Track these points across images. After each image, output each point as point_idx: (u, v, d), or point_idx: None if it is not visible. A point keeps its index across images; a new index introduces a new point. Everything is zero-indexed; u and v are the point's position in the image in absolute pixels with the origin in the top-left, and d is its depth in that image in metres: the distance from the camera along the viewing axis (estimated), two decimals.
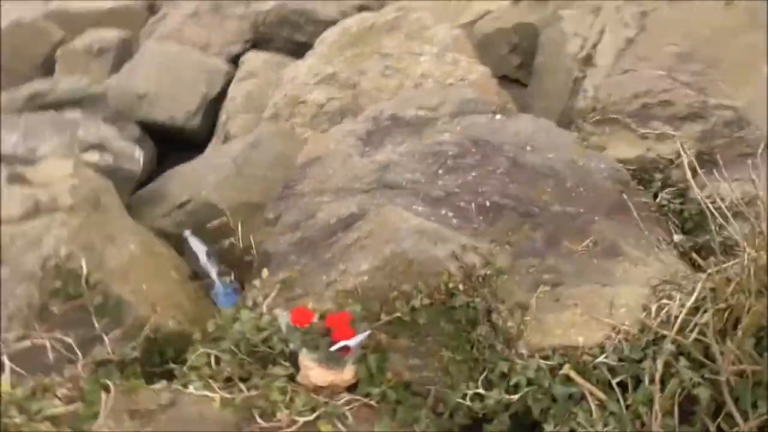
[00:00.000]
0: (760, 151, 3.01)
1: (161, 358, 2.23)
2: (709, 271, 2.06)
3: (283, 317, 1.99)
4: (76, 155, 3.14)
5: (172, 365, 2.18)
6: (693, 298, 2.02)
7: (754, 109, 3.27)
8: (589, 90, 3.83)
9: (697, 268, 2.72)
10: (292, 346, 1.96)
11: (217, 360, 2.08)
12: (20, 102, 3.91)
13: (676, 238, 2.79)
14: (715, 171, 2.99)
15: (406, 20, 4.39)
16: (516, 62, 4.68)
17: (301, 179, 2.55)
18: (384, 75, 3.92)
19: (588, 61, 3.98)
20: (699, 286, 2.05)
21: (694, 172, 3.23)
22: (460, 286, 1.99)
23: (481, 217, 2.38)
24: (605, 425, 1.91)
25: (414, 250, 2.06)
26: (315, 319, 1.96)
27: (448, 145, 2.63)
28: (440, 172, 2.50)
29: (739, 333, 1.85)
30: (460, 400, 2.05)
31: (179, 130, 4.46)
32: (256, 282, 2.26)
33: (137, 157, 3.35)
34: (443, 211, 2.32)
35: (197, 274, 2.94)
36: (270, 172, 3.21)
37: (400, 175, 2.42)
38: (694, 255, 2.81)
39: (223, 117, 4.24)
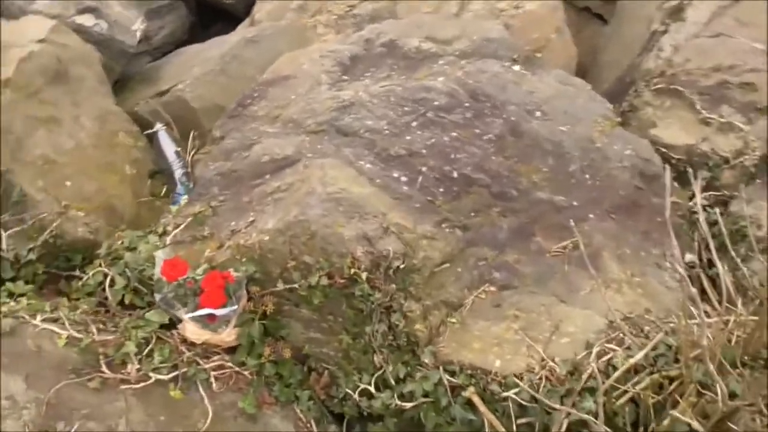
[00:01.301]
0: None
1: (67, 264, 2.10)
2: (673, 325, 1.66)
3: (159, 261, 1.78)
4: (65, 16, 2.93)
5: (77, 273, 2.05)
6: (642, 353, 1.64)
7: None
8: (666, 49, 3.17)
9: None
10: (156, 296, 1.76)
11: (112, 282, 1.92)
12: None
13: (688, 257, 2.31)
14: None
15: None
16: None
17: (259, 99, 2.23)
18: None
19: (677, 13, 3.28)
20: (656, 339, 1.66)
21: (750, 179, 2.68)
22: (364, 275, 1.69)
23: (442, 189, 2.01)
24: None
25: (319, 222, 1.75)
26: (187, 274, 1.74)
27: (436, 93, 2.21)
28: (414, 124, 2.11)
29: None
30: (350, 391, 1.82)
31: (217, 2, 4.17)
32: (173, 207, 2.04)
33: (135, 29, 3.10)
34: (396, 174, 1.96)
35: (160, 172, 2.75)
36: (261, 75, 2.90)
37: (360, 119, 2.04)
38: (704, 282, 2.35)
39: None
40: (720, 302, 2.13)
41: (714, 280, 2.39)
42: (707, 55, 3.06)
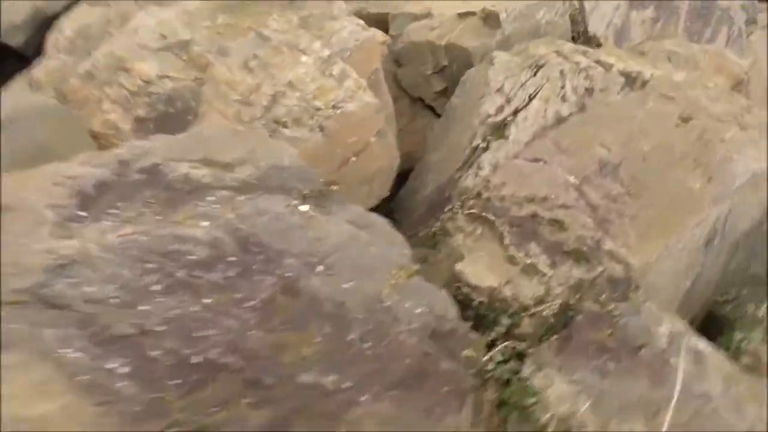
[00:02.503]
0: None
1: None
2: None
3: None
4: None
5: None
6: None
7: (645, 275, 2.55)
8: (485, 167, 3.05)
9: None
10: None
11: None
12: None
13: None
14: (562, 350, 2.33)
15: None
16: (438, 87, 3.83)
17: None
18: (246, 67, 3.03)
19: (500, 128, 3.17)
20: None
21: (548, 331, 2.56)
22: None
23: (177, 381, 1.63)
24: None
25: None
26: None
27: (194, 244, 1.83)
28: (156, 288, 1.72)
29: None
30: None
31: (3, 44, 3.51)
32: None
33: None
34: (113, 364, 1.56)
35: None
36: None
37: (79, 284, 1.62)
38: None
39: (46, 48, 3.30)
40: None
41: None
42: (524, 181, 2.96)
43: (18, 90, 3.09)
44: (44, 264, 1.65)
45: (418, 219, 3.19)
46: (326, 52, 3.16)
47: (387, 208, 3.30)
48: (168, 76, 2.97)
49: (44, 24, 3.47)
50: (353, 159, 2.98)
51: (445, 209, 3.00)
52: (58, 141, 2.54)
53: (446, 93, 3.79)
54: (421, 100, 3.89)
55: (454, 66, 3.72)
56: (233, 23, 3.24)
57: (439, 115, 3.82)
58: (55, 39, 3.25)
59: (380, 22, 4.68)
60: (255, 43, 3.10)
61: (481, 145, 3.09)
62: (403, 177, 3.54)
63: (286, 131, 2.84)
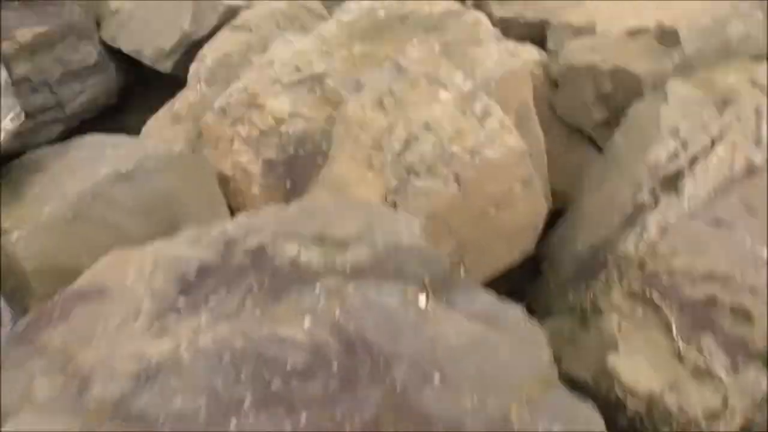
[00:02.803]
0: None
1: None
2: None
3: None
4: None
5: None
6: None
7: None
8: (651, 230, 2.54)
9: None
10: None
11: None
12: None
13: None
14: None
15: (459, 21, 3.13)
16: (599, 117, 3.31)
17: (58, 322, 1.66)
18: (380, 104, 2.78)
19: (673, 180, 2.64)
20: None
21: None
22: None
23: None
24: None
25: None
26: None
27: (294, 348, 1.62)
28: (247, 403, 1.53)
29: None
30: None
31: (149, 67, 3.60)
32: None
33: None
34: None
35: None
36: (133, 222, 2.33)
37: (165, 397, 1.47)
38: None
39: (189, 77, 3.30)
40: None
41: None
42: (700, 251, 2.43)
43: (157, 126, 3.12)
44: (133, 370, 1.53)
45: (567, 279, 2.77)
46: (468, 86, 2.82)
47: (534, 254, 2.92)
48: (300, 115, 2.81)
49: (192, 48, 3.49)
50: (492, 212, 2.63)
51: (599, 275, 2.56)
52: (184, 190, 2.48)
53: (609, 124, 3.29)
54: (579, 130, 3.41)
55: (619, 92, 3.19)
56: (370, 52, 3.01)
57: (599, 149, 3.32)
58: (196, 69, 3.24)
59: (536, 29, 4.24)
60: (391, 75, 2.84)
61: (647, 201, 2.58)
62: (554, 215, 3.13)
63: (418, 182, 2.56)
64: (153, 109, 3.46)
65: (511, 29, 4.14)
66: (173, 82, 3.53)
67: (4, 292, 2.21)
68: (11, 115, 2.58)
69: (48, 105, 3.36)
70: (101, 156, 2.52)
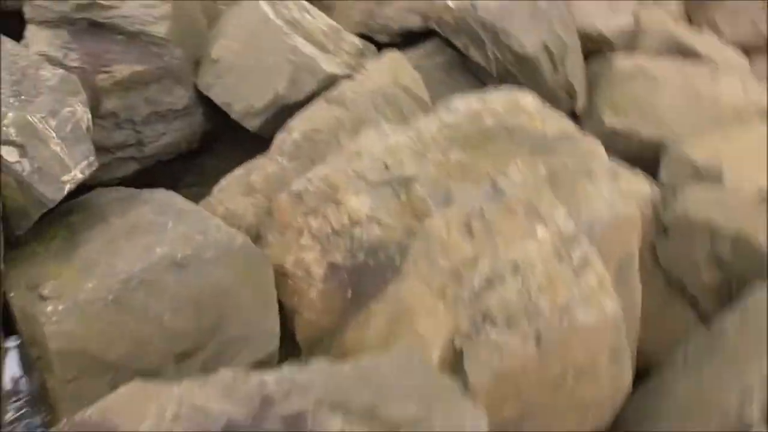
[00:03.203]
0: None
1: None
2: None
3: None
4: None
5: None
6: None
7: None
8: None
9: None
10: None
11: None
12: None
13: None
14: None
15: (572, 147, 2.82)
16: (710, 282, 2.88)
17: None
18: (467, 227, 2.49)
19: None
20: None
21: None
22: None
23: None
24: None
25: None
26: None
27: None
28: None
29: None
30: None
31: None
32: None
33: (65, 179, 2.38)
34: None
35: None
36: (176, 316, 2.12)
37: None
38: None
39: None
40: None
41: None
42: None
43: (229, 193, 2.94)
44: None
45: None
46: (570, 227, 2.50)
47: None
48: (378, 220, 2.56)
49: (283, 111, 3.33)
50: (570, 382, 2.29)
51: None
52: (238, 287, 2.26)
53: (719, 292, 2.89)
54: (681, 288, 3.02)
55: (739, 263, 2.80)
56: (468, 163, 2.74)
57: (700, 316, 2.92)
58: (282, 140, 3.06)
59: (650, 149, 3.91)
60: (486, 196, 2.55)
61: (755, 421, 2.18)
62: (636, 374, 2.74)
63: (493, 332, 2.25)
64: (233, 157, 3.32)
65: (620, 143, 3.84)
66: (259, 136, 3.39)
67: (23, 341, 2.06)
68: (84, 163, 2.44)
69: (128, 142, 3.25)
70: (162, 227, 2.33)
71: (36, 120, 2.37)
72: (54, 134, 2.39)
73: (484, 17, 3.62)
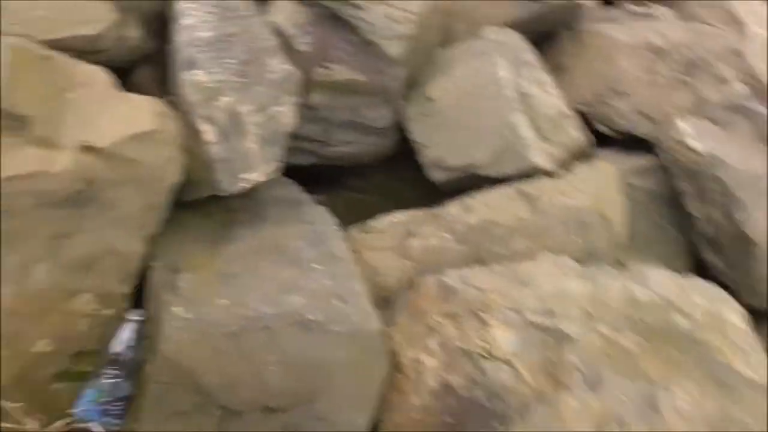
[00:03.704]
0: None
1: None
2: None
3: None
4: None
5: None
6: None
7: None
8: None
9: None
10: None
11: None
12: None
13: None
14: None
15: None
16: None
17: None
18: (598, 427, 2.19)
19: None
20: None
21: None
22: None
23: None
24: None
25: None
26: None
27: None
28: None
29: None
30: None
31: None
32: None
33: (244, 176, 2.29)
34: None
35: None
36: (273, 374, 2.00)
37: None
38: None
39: None
40: None
41: None
42: None
43: (383, 242, 2.78)
44: None
45: None
46: None
47: None
48: (515, 367, 2.32)
49: (471, 178, 3.12)
50: None
51: None
52: (348, 369, 2.13)
53: None
54: None
55: None
56: (634, 353, 2.42)
57: None
58: (456, 217, 2.86)
59: None
60: (637, 408, 2.24)
61: None
62: None
63: None
64: (405, 179, 3.29)
65: None
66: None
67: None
68: (269, 167, 2.37)
69: (316, 138, 3.16)
70: (308, 268, 2.23)
71: (244, 112, 2.31)
72: (254, 131, 2.33)
73: (727, 183, 3.18)
